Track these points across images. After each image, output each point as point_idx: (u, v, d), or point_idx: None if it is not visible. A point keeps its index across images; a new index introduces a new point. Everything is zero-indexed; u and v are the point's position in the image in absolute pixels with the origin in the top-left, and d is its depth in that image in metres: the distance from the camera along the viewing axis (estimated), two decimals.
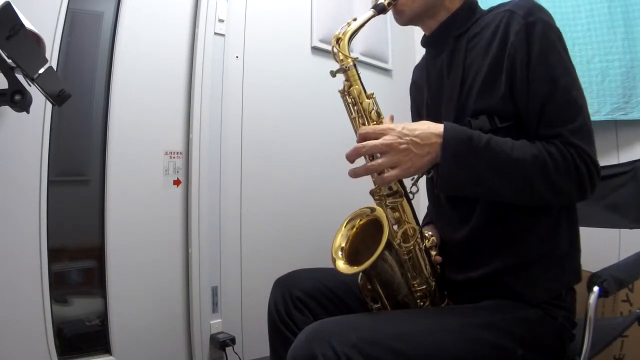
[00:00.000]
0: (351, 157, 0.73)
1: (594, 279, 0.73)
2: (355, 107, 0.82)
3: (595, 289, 0.72)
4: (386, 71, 2.11)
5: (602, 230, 1.11)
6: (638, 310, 0.99)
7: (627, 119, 1.54)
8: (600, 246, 1.06)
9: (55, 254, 1.23)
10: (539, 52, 0.72)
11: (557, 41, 0.74)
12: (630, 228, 1.10)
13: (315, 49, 1.82)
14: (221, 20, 1.54)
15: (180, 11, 1.50)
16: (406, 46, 2.21)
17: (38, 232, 1.18)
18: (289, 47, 1.76)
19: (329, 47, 1.80)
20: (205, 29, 1.50)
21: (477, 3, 0.88)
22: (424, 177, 0.86)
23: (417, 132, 0.71)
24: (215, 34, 1.53)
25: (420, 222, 0.85)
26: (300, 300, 0.89)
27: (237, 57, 1.61)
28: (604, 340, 0.82)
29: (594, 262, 0.85)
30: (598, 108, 1.52)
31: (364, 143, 0.72)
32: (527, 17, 0.74)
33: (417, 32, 2.24)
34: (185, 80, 1.50)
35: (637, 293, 1.29)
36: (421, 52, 0.98)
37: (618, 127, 1.58)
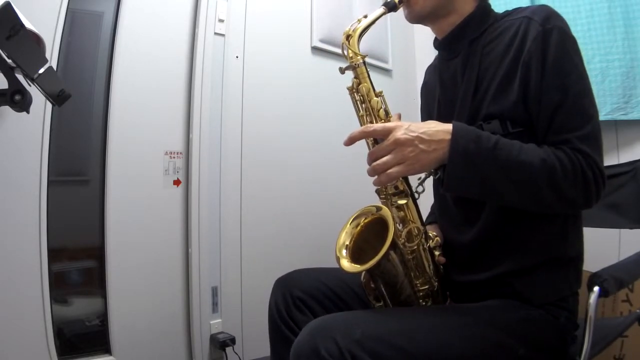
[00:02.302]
0: (368, 170, 0.74)
1: (594, 278, 0.73)
2: (363, 105, 0.82)
3: (596, 288, 0.72)
4: (386, 71, 2.11)
5: (602, 230, 1.11)
6: (638, 310, 0.99)
7: (627, 119, 1.54)
8: (600, 246, 1.06)
9: (55, 254, 1.23)
10: (554, 59, 0.72)
11: (572, 49, 0.74)
12: (630, 228, 1.11)
13: (315, 49, 1.82)
14: (221, 20, 1.54)
15: (180, 11, 1.50)
16: (406, 46, 2.21)
17: (38, 232, 1.18)
18: (289, 47, 1.75)
19: (329, 47, 1.84)
20: (205, 29, 1.50)
21: (490, 7, 0.87)
22: (431, 177, 0.86)
23: (424, 129, 0.70)
24: (215, 34, 1.53)
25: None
26: (300, 300, 0.89)
27: (237, 57, 1.61)
28: (604, 340, 0.82)
29: (594, 262, 0.85)
30: (598, 108, 1.52)
31: (374, 149, 0.73)
32: (545, 24, 0.74)
33: (417, 33, 2.25)
34: (185, 80, 1.49)
35: (637, 293, 1.30)
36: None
37: (618, 127, 1.58)
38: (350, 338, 0.63)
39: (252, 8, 1.65)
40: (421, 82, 1.08)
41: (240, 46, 1.62)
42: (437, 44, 0.93)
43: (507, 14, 0.83)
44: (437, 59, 0.98)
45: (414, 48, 2.25)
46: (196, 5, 1.52)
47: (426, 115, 1.02)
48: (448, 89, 0.89)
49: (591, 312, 0.71)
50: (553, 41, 0.73)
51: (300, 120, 1.76)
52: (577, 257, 0.80)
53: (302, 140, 1.76)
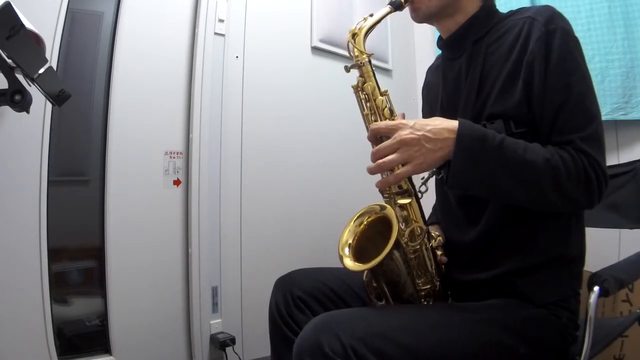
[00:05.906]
0: (372, 168, 0.74)
1: (594, 278, 0.73)
2: (368, 104, 0.83)
3: (596, 288, 0.72)
4: (386, 71, 2.10)
5: (602, 230, 1.11)
6: (638, 310, 1.00)
7: (627, 119, 1.54)
8: (600, 246, 1.06)
9: (55, 254, 1.23)
10: (557, 60, 0.72)
11: (575, 50, 0.74)
12: (630, 228, 1.11)
13: (315, 49, 1.82)
14: (221, 20, 1.54)
15: (180, 11, 1.50)
16: (406, 46, 2.21)
17: (38, 232, 1.18)
18: (289, 47, 1.75)
19: (329, 47, 1.84)
20: (205, 29, 1.50)
21: (495, 6, 0.88)
22: (434, 177, 0.86)
23: (429, 127, 0.71)
24: (215, 34, 1.53)
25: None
26: (301, 300, 0.89)
27: (237, 57, 1.61)
28: (604, 340, 0.82)
29: (594, 262, 0.85)
30: None
31: (378, 147, 0.72)
32: (548, 24, 0.74)
33: (417, 33, 2.25)
34: (185, 80, 1.49)
35: (637, 293, 1.30)
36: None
37: (618, 127, 1.58)
38: (353, 335, 0.63)
39: (252, 8, 1.66)
40: (421, 82, 1.08)
41: (240, 46, 1.62)
42: (441, 43, 0.93)
43: (511, 13, 0.83)
44: (439, 59, 0.98)
45: (414, 48, 2.24)
46: (196, 5, 1.52)
47: (429, 116, 1.02)
48: (451, 88, 0.89)
49: (591, 312, 0.72)
50: (556, 42, 0.73)
51: (300, 120, 1.76)
52: (579, 256, 0.80)
53: (302, 140, 1.76)
